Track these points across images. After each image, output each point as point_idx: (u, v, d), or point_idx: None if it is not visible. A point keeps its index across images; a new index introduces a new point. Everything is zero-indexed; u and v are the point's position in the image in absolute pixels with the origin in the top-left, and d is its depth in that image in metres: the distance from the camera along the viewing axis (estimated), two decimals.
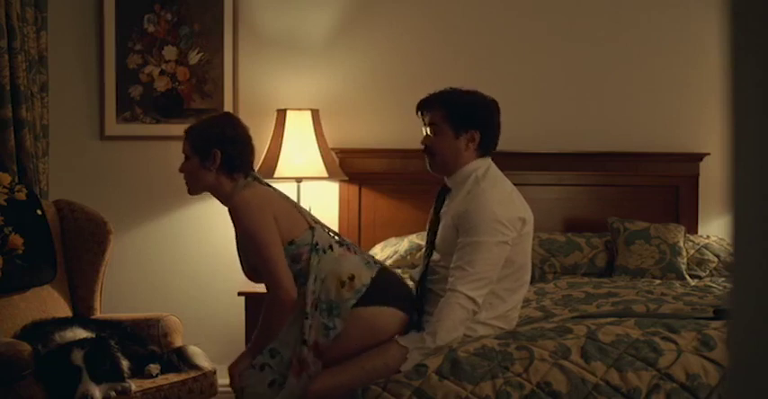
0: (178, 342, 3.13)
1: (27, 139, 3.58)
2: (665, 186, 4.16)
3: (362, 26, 4.17)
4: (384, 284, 2.42)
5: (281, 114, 3.89)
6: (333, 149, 4.02)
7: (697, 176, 4.16)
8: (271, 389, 2.34)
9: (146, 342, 3.00)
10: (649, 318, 2.47)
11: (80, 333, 2.76)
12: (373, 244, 3.99)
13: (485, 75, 4.15)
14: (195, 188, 2.53)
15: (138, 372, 2.80)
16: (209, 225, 4.04)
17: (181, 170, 2.53)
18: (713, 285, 3.44)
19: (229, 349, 3.88)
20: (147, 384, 2.77)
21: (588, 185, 4.16)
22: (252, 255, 2.43)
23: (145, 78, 4.12)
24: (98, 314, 3.27)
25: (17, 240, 3.02)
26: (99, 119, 4.13)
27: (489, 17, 4.18)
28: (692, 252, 3.79)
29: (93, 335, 2.76)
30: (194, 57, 4.13)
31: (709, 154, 4.15)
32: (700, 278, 3.68)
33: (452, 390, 2.11)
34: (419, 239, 3.72)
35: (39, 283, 3.12)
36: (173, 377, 2.87)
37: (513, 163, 3.61)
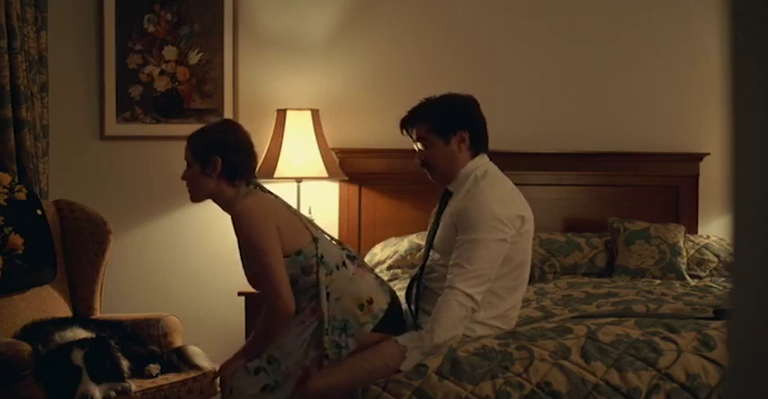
0: (178, 342, 3.13)
1: (27, 139, 3.58)
2: (665, 186, 4.16)
3: (362, 26, 4.17)
4: (394, 312, 2.44)
5: (281, 114, 3.89)
6: (333, 149, 4.02)
7: (697, 176, 4.16)
8: (262, 393, 2.34)
9: (146, 342, 3.00)
10: (649, 318, 2.47)
11: (80, 333, 2.76)
12: (373, 244, 3.99)
13: (485, 75, 4.15)
14: (198, 195, 2.52)
15: (138, 372, 2.80)
16: (209, 225, 4.04)
17: (183, 177, 2.53)
18: (713, 285, 3.44)
19: (229, 349, 3.86)
20: (147, 384, 2.77)
21: (588, 185, 4.16)
22: (252, 263, 2.42)
23: (145, 78, 4.12)
24: (98, 314, 3.27)
25: (17, 240, 3.02)
26: (99, 119, 4.13)
27: (489, 17, 4.19)
28: (692, 252, 3.80)
29: (93, 335, 2.76)
30: (194, 57, 4.13)
31: (709, 154, 4.15)
32: (700, 278, 3.68)
33: (452, 390, 2.11)
34: (419, 239, 3.72)
35: (39, 283, 3.12)
36: (173, 377, 2.87)
37: (513, 163, 3.61)
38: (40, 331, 2.80)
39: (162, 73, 4.12)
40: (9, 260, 2.99)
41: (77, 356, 2.59)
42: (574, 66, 4.20)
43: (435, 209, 2.61)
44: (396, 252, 3.79)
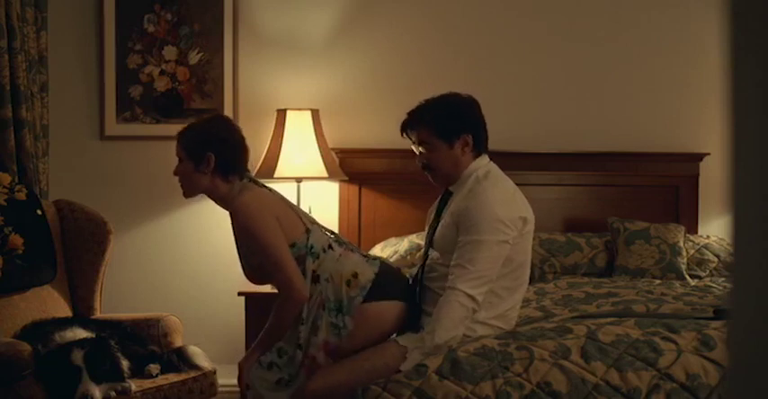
0: (178, 342, 3.13)
1: (27, 139, 3.58)
2: (665, 186, 4.16)
3: (362, 26, 4.17)
4: (386, 278, 2.44)
5: (281, 114, 3.89)
6: (333, 149, 4.02)
7: (697, 176, 4.16)
8: (278, 387, 2.35)
9: (146, 342, 3.00)
10: (649, 318, 2.47)
11: (80, 333, 2.76)
12: (373, 244, 3.99)
13: (485, 75, 4.15)
14: (190, 191, 2.52)
15: (138, 372, 2.80)
16: (209, 225, 4.04)
17: (175, 173, 2.53)
18: (713, 285, 3.44)
19: (229, 349, 3.88)
20: (147, 384, 2.77)
21: (588, 185, 4.16)
22: (259, 258, 2.42)
23: (145, 78, 4.12)
24: (98, 314, 3.27)
25: (17, 240, 3.02)
26: (99, 119, 4.13)
27: (489, 17, 4.18)
28: (692, 252, 3.79)
29: (93, 335, 2.76)
30: (194, 57, 4.13)
31: (709, 154, 4.15)
32: (700, 278, 3.68)
33: (452, 390, 2.11)
34: (419, 239, 3.72)
35: (39, 283, 3.12)
36: (173, 377, 2.87)
37: (513, 163, 3.60)
38: (40, 331, 2.79)
39: (162, 73, 4.12)
40: (9, 260, 2.99)
41: (77, 356, 2.59)
42: (574, 66, 4.20)
43: (433, 208, 2.60)
44: (396, 252, 3.79)
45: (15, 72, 3.54)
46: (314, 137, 3.84)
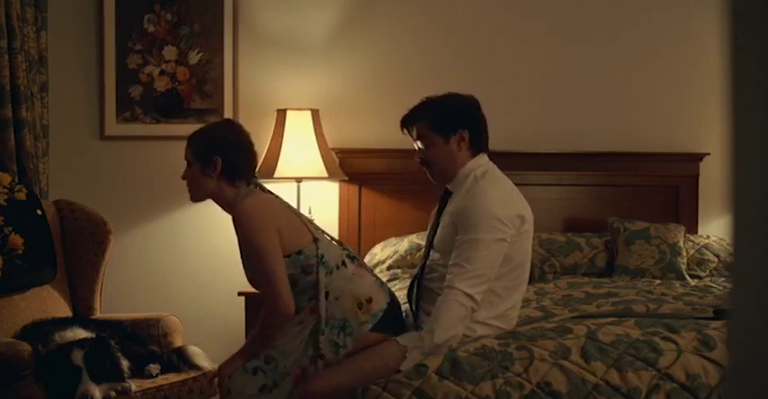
0: (178, 342, 3.13)
1: (27, 139, 3.58)
2: (665, 186, 4.16)
3: (362, 26, 4.17)
4: (393, 312, 2.44)
5: (281, 114, 3.89)
6: (333, 149, 4.02)
7: (697, 176, 4.16)
8: (261, 393, 2.34)
9: (146, 342, 3.00)
10: (649, 318, 2.47)
11: (80, 333, 2.76)
12: (373, 244, 3.99)
13: (485, 75, 4.15)
14: (198, 195, 2.52)
15: (138, 372, 2.80)
16: (210, 225, 4.04)
17: (183, 177, 2.53)
18: (713, 285, 3.44)
19: (229, 349, 3.85)
20: (147, 384, 2.77)
21: (588, 185, 4.16)
22: (252, 264, 2.42)
23: (145, 78, 4.12)
24: (98, 314, 3.27)
25: (17, 240, 3.02)
26: (99, 119, 4.13)
27: (489, 17, 4.19)
28: (692, 252, 3.79)
29: (93, 335, 2.76)
30: (194, 57, 4.13)
31: (709, 154, 4.15)
32: (700, 278, 3.68)
33: (452, 390, 2.11)
34: (419, 239, 3.72)
35: (39, 283, 3.12)
36: (173, 377, 2.87)
37: (513, 163, 3.61)
38: (40, 331, 2.80)
39: (162, 73, 4.12)
40: (9, 260, 2.99)
41: (77, 356, 2.59)
42: (574, 66, 4.20)
43: (435, 209, 2.61)
44: (396, 252, 3.79)
45: (15, 72, 3.54)
46: (314, 137, 3.84)
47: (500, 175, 2.48)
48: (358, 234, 4.10)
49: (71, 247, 3.30)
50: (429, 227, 2.61)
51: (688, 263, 3.74)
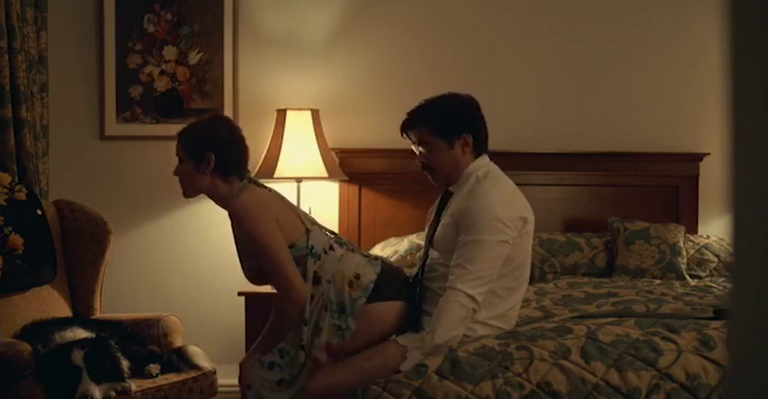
0: (178, 342, 3.13)
1: (27, 139, 3.58)
2: (665, 186, 4.16)
3: (362, 26, 4.17)
4: (387, 279, 2.44)
5: (281, 114, 3.89)
6: (333, 149, 4.02)
7: (697, 176, 4.16)
8: (279, 387, 2.35)
9: (146, 342, 3.00)
10: (649, 318, 2.47)
11: (80, 333, 2.76)
12: (373, 244, 3.99)
13: (485, 75, 4.15)
14: (190, 191, 2.52)
15: (138, 372, 2.80)
16: (209, 225, 4.04)
17: (175, 173, 2.53)
18: (713, 285, 3.44)
19: (229, 349, 3.88)
20: (147, 384, 2.77)
21: (588, 185, 4.16)
22: (259, 259, 2.42)
23: (145, 78, 4.12)
24: (98, 314, 3.27)
25: (17, 240, 3.02)
26: (99, 119, 4.13)
27: (489, 17, 4.18)
28: (692, 252, 3.79)
29: (93, 335, 2.76)
30: (194, 57, 4.13)
31: (709, 154, 4.14)
32: (700, 278, 3.68)
33: (452, 390, 2.11)
34: (419, 239, 3.72)
35: (39, 283, 3.12)
36: (173, 377, 2.87)
37: (513, 163, 3.60)
38: (40, 331, 2.80)
39: (162, 73, 4.12)
40: (9, 260, 2.99)
41: (77, 356, 2.59)
42: (574, 66, 4.20)
43: (433, 208, 2.60)
44: (396, 252, 3.79)
45: (15, 72, 3.54)
46: (314, 137, 3.84)
47: (502, 176, 2.48)
48: (358, 234, 4.10)
49: (71, 247, 3.30)
50: (428, 226, 2.60)
51: (688, 263, 3.74)
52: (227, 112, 4.07)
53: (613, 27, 4.19)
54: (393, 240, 3.92)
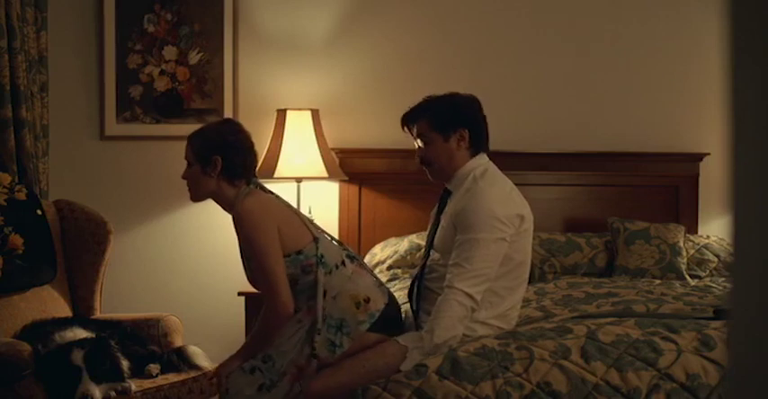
0: (178, 342, 3.13)
1: (27, 139, 3.58)
2: (665, 186, 4.16)
3: (362, 26, 4.17)
4: (390, 312, 2.44)
5: (281, 114, 3.89)
6: (333, 149, 4.02)
7: (697, 176, 4.16)
8: (259, 393, 2.34)
9: (146, 342, 3.00)
10: (649, 318, 2.47)
11: (80, 333, 2.76)
12: (373, 244, 3.99)
13: (485, 75, 4.15)
14: (198, 194, 2.53)
15: (138, 372, 2.80)
16: (209, 225, 4.04)
17: (183, 177, 2.53)
18: (713, 285, 3.44)
19: (229, 349, 3.85)
20: (147, 384, 2.77)
21: (588, 185, 4.16)
22: (252, 264, 2.43)
23: (145, 78, 4.12)
24: (98, 314, 3.27)
25: (17, 240, 3.02)
26: (99, 119, 4.13)
27: (489, 17, 4.19)
28: (692, 252, 3.79)
29: (93, 335, 2.76)
30: (194, 57, 4.13)
31: (709, 154, 4.15)
32: (700, 278, 3.68)
33: (452, 390, 2.11)
34: (419, 239, 3.72)
35: (39, 283, 3.12)
36: (173, 377, 2.87)
37: (513, 163, 3.61)
38: (40, 331, 2.80)
39: (162, 73, 4.12)
40: (9, 260, 2.99)
41: (77, 356, 2.60)
42: (574, 67, 4.20)
43: (434, 209, 2.61)
44: (396, 252, 3.79)
45: (15, 72, 3.54)
46: (314, 137, 3.84)
47: (499, 175, 2.49)
48: (358, 234, 4.10)
49: (71, 247, 3.30)
50: (429, 227, 2.61)
51: (688, 263, 3.74)
52: (228, 112, 4.07)
53: (613, 27, 4.19)
54: (393, 240, 3.92)
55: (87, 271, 3.29)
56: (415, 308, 2.51)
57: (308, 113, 3.88)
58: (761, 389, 0.61)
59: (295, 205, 3.12)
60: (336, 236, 3.68)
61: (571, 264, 3.74)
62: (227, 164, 2.44)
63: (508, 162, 2.98)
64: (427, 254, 2.53)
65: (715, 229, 4.12)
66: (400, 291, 2.97)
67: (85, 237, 3.29)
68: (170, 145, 3.96)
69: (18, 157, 3.57)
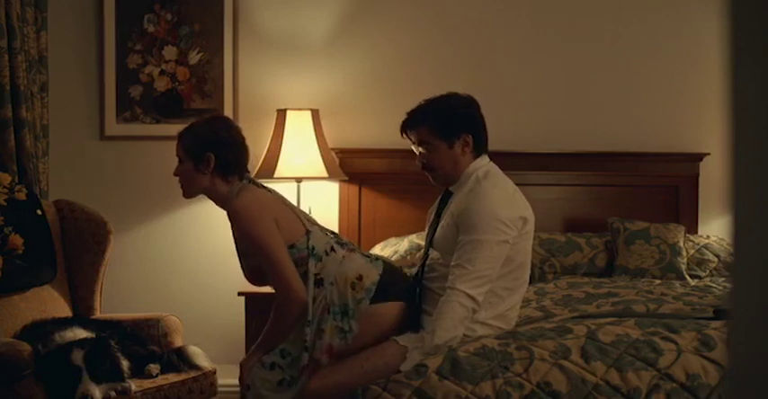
0: (178, 342, 3.13)
1: (27, 139, 3.58)
2: (665, 186, 4.16)
3: (362, 26, 4.17)
4: (389, 279, 2.44)
5: (281, 114, 3.89)
6: (333, 149, 4.02)
7: (697, 176, 4.16)
8: (280, 387, 2.35)
9: (146, 342, 3.00)
10: (649, 318, 2.47)
11: (80, 333, 2.76)
12: (373, 244, 3.99)
13: (485, 75, 4.15)
14: (190, 191, 2.53)
15: (138, 372, 2.80)
16: (210, 225, 4.04)
17: (175, 174, 2.53)
18: (713, 285, 3.44)
19: (229, 349, 3.88)
20: (147, 384, 2.77)
21: (588, 185, 4.16)
22: (258, 260, 2.43)
23: (145, 78, 4.12)
24: (98, 314, 3.27)
25: (17, 240, 3.02)
26: (99, 119, 4.13)
27: (489, 17, 4.18)
28: (692, 252, 3.79)
29: (93, 335, 2.76)
30: (194, 57, 4.13)
31: (709, 154, 4.14)
32: (700, 278, 3.68)
33: (452, 390, 2.11)
34: (419, 239, 3.72)
35: (39, 283, 3.12)
36: (173, 377, 2.87)
37: (513, 163, 3.60)
38: (40, 331, 2.80)
39: (162, 73, 4.12)
40: (9, 260, 2.99)
41: (77, 356, 2.60)
42: (574, 67, 4.20)
43: (433, 208, 2.61)
44: (396, 252, 3.79)
45: (15, 72, 3.54)
46: (314, 137, 3.84)
47: (502, 176, 2.48)
48: (358, 234, 4.10)
49: (71, 247, 3.30)
50: (428, 226, 2.60)
51: (688, 263, 3.74)
52: (227, 112, 4.07)
53: (613, 27, 4.19)
54: (393, 240, 3.92)
55: (87, 271, 3.29)
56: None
57: (308, 113, 3.88)
58: (761, 389, 0.61)
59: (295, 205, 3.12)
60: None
61: (571, 264, 3.74)
62: (221, 160, 2.44)
63: (508, 162, 2.98)
64: (426, 253, 2.53)
65: (715, 229, 4.12)
66: None
67: (85, 237, 3.29)
68: (170, 145, 3.91)
69: (18, 157, 3.57)
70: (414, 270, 2.62)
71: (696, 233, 4.05)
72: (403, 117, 2.53)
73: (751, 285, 0.63)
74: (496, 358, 2.17)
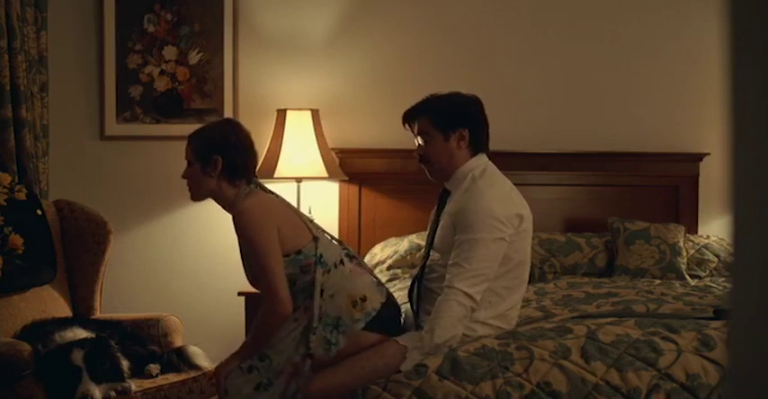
0: (178, 342, 3.13)
1: (27, 139, 3.58)
2: (665, 186, 4.16)
3: (362, 26, 4.17)
4: (388, 313, 2.44)
5: (281, 114, 3.89)
6: (333, 149, 4.02)
7: (697, 176, 4.16)
8: (256, 392, 2.34)
9: (146, 342, 3.00)
10: (649, 318, 2.47)
11: (80, 333, 2.76)
12: (373, 244, 3.99)
13: (485, 75, 4.15)
14: (198, 194, 2.53)
15: (138, 372, 2.80)
16: (210, 225, 4.04)
17: (183, 176, 2.53)
18: (713, 285, 3.44)
19: (229, 349, 3.86)
20: (147, 384, 2.77)
21: (588, 185, 4.16)
22: (252, 264, 2.43)
23: (145, 78, 4.12)
24: (98, 314, 3.27)
25: (17, 240, 3.02)
26: (99, 119, 4.13)
27: (489, 17, 4.19)
28: (692, 252, 3.79)
29: (93, 335, 2.76)
30: (194, 57, 4.13)
31: (709, 154, 4.15)
32: (700, 278, 3.68)
33: (452, 390, 2.11)
34: (419, 239, 3.72)
35: (39, 283, 3.12)
36: (173, 377, 2.87)
37: (513, 163, 3.61)
38: (40, 331, 2.80)
39: (162, 73, 4.12)
40: (9, 260, 2.99)
41: (77, 356, 2.60)
42: (574, 67, 4.20)
43: (434, 209, 2.61)
44: (396, 252, 3.79)
45: (15, 72, 3.54)
46: (314, 137, 3.84)
47: (498, 175, 2.49)
48: (358, 234, 4.10)
49: (71, 247, 3.30)
50: (429, 228, 2.61)
51: (688, 263, 3.74)
52: (228, 112, 4.07)
53: (613, 27, 4.19)
54: (393, 240, 3.92)
55: (87, 271, 3.29)
56: (415, 308, 2.51)
57: (308, 113, 3.88)
58: (761, 389, 0.61)
59: (295, 205, 3.12)
60: (336, 236, 3.68)
61: (571, 264, 3.74)
62: (228, 163, 2.45)
63: (508, 162, 2.98)
64: (427, 254, 2.53)
65: (715, 229, 4.12)
66: (400, 291, 2.97)
67: (85, 237, 3.29)
68: (170, 145, 3.96)
69: (18, 157, 3.57)
70: (414, 271, 2.63)
71: (696, 233, 4.06)
72: (406, 110, 2.55)
73: (751, 285, 0.63)
74: (496, 358, 2.17)
